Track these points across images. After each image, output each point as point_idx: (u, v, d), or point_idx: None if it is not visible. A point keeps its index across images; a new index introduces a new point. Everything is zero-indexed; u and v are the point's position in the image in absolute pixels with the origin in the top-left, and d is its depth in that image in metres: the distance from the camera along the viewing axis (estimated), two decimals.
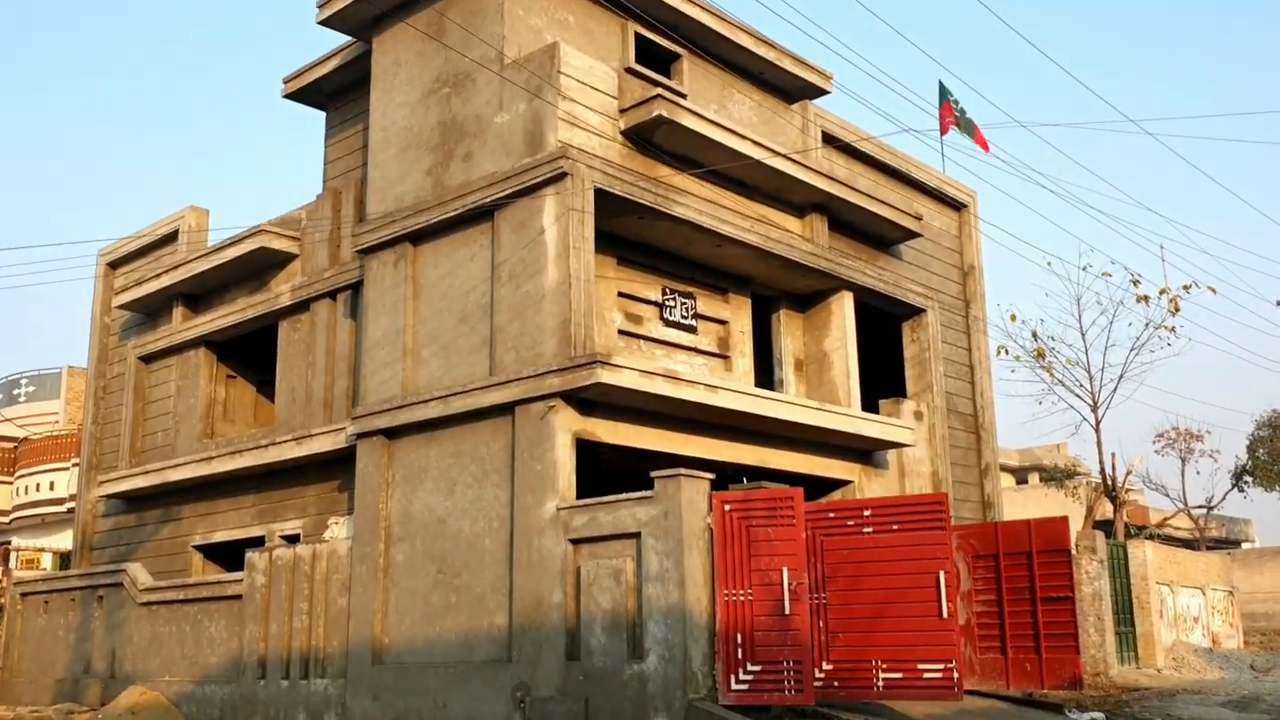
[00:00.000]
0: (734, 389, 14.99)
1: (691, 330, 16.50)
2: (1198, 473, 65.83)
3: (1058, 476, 29.00)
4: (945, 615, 12.51)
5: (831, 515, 13.40)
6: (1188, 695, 18.92)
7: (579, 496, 13.33)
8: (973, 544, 15.85)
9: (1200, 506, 33.44)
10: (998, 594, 15.49)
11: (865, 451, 18.06)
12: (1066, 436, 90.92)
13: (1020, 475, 45.90)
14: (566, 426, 13.38)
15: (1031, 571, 15.22)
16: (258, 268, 19.00)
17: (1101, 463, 24.81)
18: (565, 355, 13.31)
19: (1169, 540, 31.30)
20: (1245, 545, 49.73)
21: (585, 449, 13.89)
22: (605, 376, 12.97)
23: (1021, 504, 34.67)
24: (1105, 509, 31.71)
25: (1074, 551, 20.84)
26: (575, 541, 12.96)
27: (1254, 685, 21.04)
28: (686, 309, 16.48)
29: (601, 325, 14.83)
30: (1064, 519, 15.42)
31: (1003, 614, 15.39)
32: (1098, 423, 24.65)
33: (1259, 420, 48.03)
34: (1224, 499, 34.24)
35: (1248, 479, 29.08)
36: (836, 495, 17.49)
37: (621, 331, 15.45)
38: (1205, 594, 26.51)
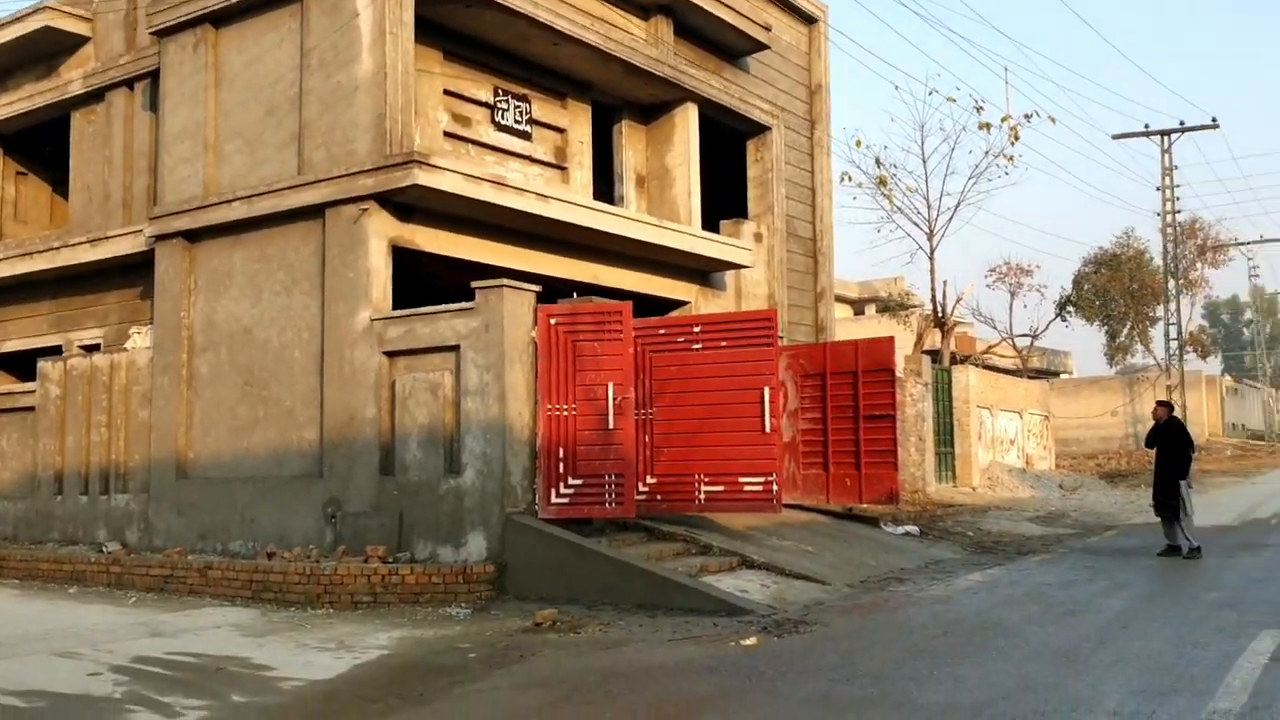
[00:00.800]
0: (568, 200, 14.28)
1: (525, 137, 15.59)
2: (1025, 306, 68.66)
3: (892, 306, 29.51)
4: (768, 430, 12.44)
5: (661, 331, 13.05)
6: (999, 511, 19.82)
7: (398, 308, 12.60)
8: (802, 363, 15.84)
9: (1024, 335, 34.73)
10: (823, 412, 15.60)
11: (703, 272, 17.74)
12: (902, 266, 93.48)
13: (858, 307, 46.91)
14: (381, 232, 12.51)
15: (856, 391, 15.32)
16: (45, 51, 17.05)
17: (933, 290, 25.31)
18: (380, 154, 12.33)
19: (993, 369, 32.51)
20: (1064, 376, 52.46)
21: (405, 258, 13.07)
22: (424, 179, 12.08)
23: (857, 334, 35.47)
24: (935, 339, 32.67)
25: (900, 374, 21.27)
26: (390, 354, 12.29)
27: (1060, 503, 22.26)
28: (520, 113, 15.52)
29: (424, 124, 13.80)
30: (889, 339, 15.51)
31: (827, 432, 15.54)
32: (932, 251, 25.00)
33: (1085, 258, 50.27)
34: (1047, 328, 35.59)
35: (1070, 309, 30.20)
36: (674, 315, 17.19)
37: (448, 134, 14.45)
38: (1023, 418, 27.74)
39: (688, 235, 16.46)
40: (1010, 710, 6.40)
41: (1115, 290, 55.82)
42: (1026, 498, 22.95)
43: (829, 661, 7.86)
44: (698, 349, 12.76)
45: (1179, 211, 39.54)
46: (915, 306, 39.03)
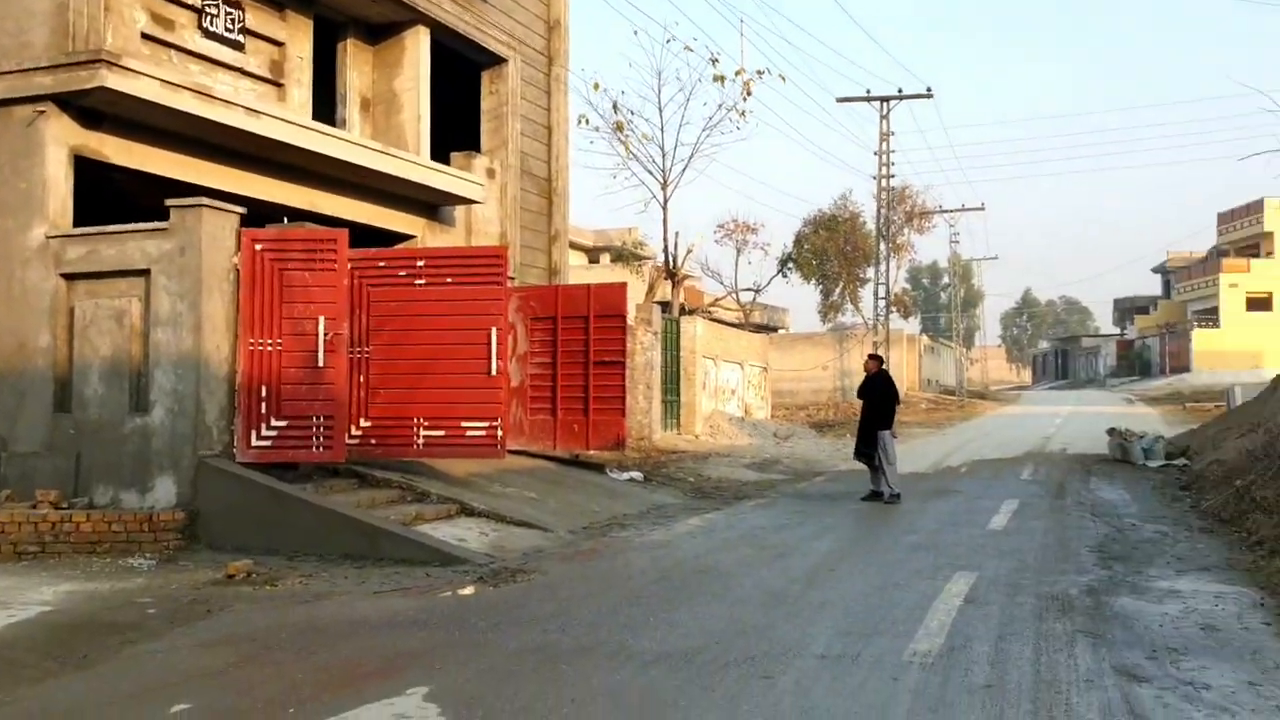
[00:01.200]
0: (282, 118, 13.15)
1: (237, 47, 14.22)
2: (749, 263, 71.37)
3: (625, 255, 29.69)
4: (494, 373, 11.99)
5: (381, 264, 12.29)
6: (719, 458, 20.30)
7: (81, 225, 11.20)
8: (533, 306, 15.47)
9: (747, 290, 35.88)
10: (553, 357, 15.32)
11: (432, 205, 16.96)
12: (637, 214, 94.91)
13: (593, 255, 47.11)
14: (62, 139, 11.05)
15: (588, 336, 15.13)
16: None
17: (665, 240, 25.55)
18: (61, 50, 10.86)
19: (719, 322, 33.43)
20: (781, 331, 54.91)
21: (92, 171, 11.64)
22: (114, 82, 10.72)
23: (591, 282, 35.62)
24: (666, 290, 33.17)
25: (631, 322, 21.32)
26: (69, 277, 10.93)
27: (775, 450, 23.11)
28: (232, 21, 14.13)
29: (117, 22, 12.27)
30: (622, 285, 15.40)
31: (556, 377, 15.28)
32: (665, 201, 25.19)
33: (805, 219, 52.68)
34: (769, 283, 36.94)
35: (791, 266, 31.38)
36: (397, 249, 16.35)
37: (146, 36, 12.92)
38: (744, 369, 28.65)
39: (414, 164, 15.63)
40: (722, 654, 6.31)
41: (831, 251, 58.99)
42: (745, 445, 23.70)
43: (545, 611, 7.56)
44: (421, 285, 12.10)
45: (892, 176, 41.85)
46: (648, 258, 39.56)
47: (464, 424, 11.98)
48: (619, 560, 9.67)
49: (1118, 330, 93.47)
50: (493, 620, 7.29)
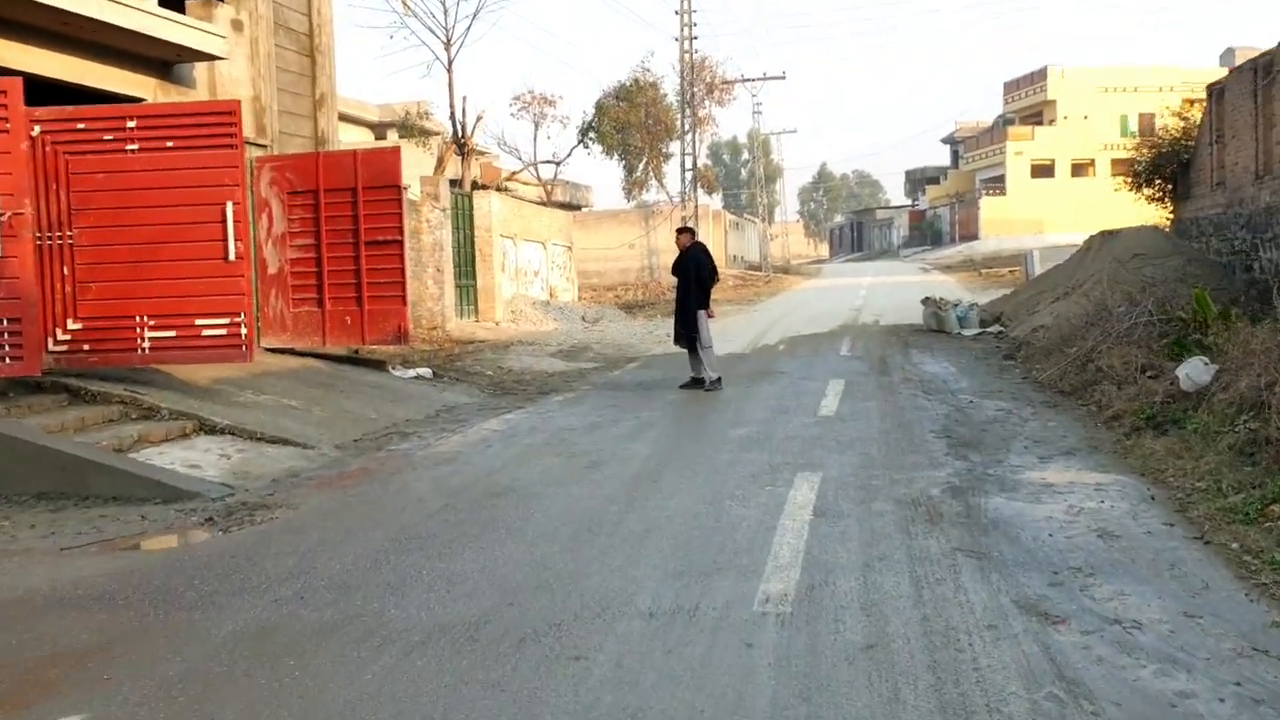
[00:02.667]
0: None
1: None
2: (549, 138, 68.75)
3: (410, 126, 26.97)
4: (234, 258, 9.78)
5: (81, 126, 9.77)
6: (522, 346, 18.56)
7: None
8: (289, 178, 13.12)
9: (547, 162, 33.62)
10: (317, 237, 13.08)
11: (164, 62, 14.12)
12: (420, 79, 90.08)
13: (379, 131, 43.63)
14: None
15: (357, 212, 12.94)
16: None
17: (452, 106, 23.12)
18: None
19: (518, 199, 31.20)
20: (585, 209, 53.07)
21: None
22: None
23: None
24: (458, 167, 30.67)
25: (416, 198, 19.08)
26: None
27: (584, 335, 21.50)
28: None
29: None
30: (395, 149, 13.21)
31: (321, 261, 13.08)
32: (450, 62, 22.71)
33: (605, 90, 50.52)
34: (570, 154, 34.77)
35: (592, 136, 29.35)
36: (101, 107, 13.57)
37: None
38: (546, 249, 26.76)
39: (135, 10, 12.80)
40: (517, 623, 4.68)
41: (633, 123, 57.18)
42: (550, 331, 22.00)
43: (284, 567, 5.72)
44: (134, 151, 9.70)
45: (695, 38, 40.06)
46: (438, 132, 36.75)
47: (199, 322, 9.78)
48: (393, 484, 7.86)
49: (910, 202, 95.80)
50: (209, 587, 5.41)
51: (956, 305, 19.71)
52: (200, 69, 14.80)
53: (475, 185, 24.84)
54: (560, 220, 28.66)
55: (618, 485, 7.43)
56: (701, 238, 48.61)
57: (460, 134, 23.38)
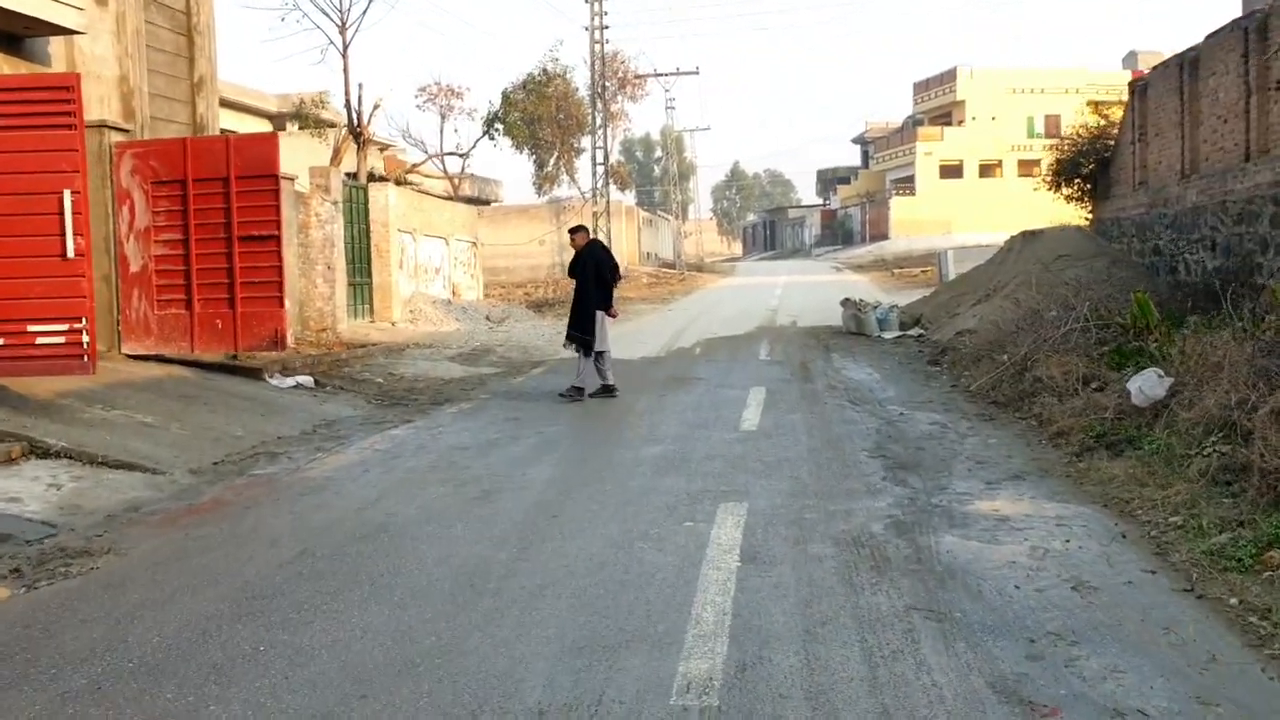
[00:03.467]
0: None
1: None
2: (456, 130, 67.07)
3: (306, 117, 25.42)
4: (73, 255, 8.54)
5: None
6: (420, 350, 17.36)
7: None
8: (153, 166, 11.80)
9: (452, 154, 32.15)
10: (185, 232, 11.78)
11: (11, 36, 12.67)
12: (313, 65, 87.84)
13: (279, 122, 41.74)
14: None
15: (229, 203, 11.67)
16: None
17: (347, 92, 21.74)
18: None
19: (422, 192, 29.81)
20: (494, 204, 51.75)
21: None
22: None
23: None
24: (357, 159, 29.14)
25: (306, 189, 17.78)
26: None
27: (487, 336, 20.34)
28: None
29: None
30: (272, 135, 11.98)
31: (189, 257, 11.77)
32: (345, 46, 21.33)
33: (514, 82, 49.23)
34: (475, 145, 33.27)
35: (499, 127, 28.10)
36: None
37: None
38: (449, 245, 25.49)
39: None
40: None
41: (544, 116, 55.95)
42: (451, 331, 20.80)
43: (88, 641, 4.57)
44: None
45: (607, 27, 39.04)
46: (335, 124, 35.15)
47: (33, 328, 8.52)
48: (246, 521, 6.70)
49: (821, 201, 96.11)
50: None
51: (876, 307, 19.06)
52: (57, 45, 13.39)
53: (373, 177, 23.48)
54: (464, 215, 27.39)
55: (510, 523, 6.39)
56: (615, 235, 47.24)
57: (356, 122, 21.99)
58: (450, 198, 41.92)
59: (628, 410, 10.76)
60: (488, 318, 23.44)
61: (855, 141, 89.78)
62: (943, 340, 15.44)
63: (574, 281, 11.88)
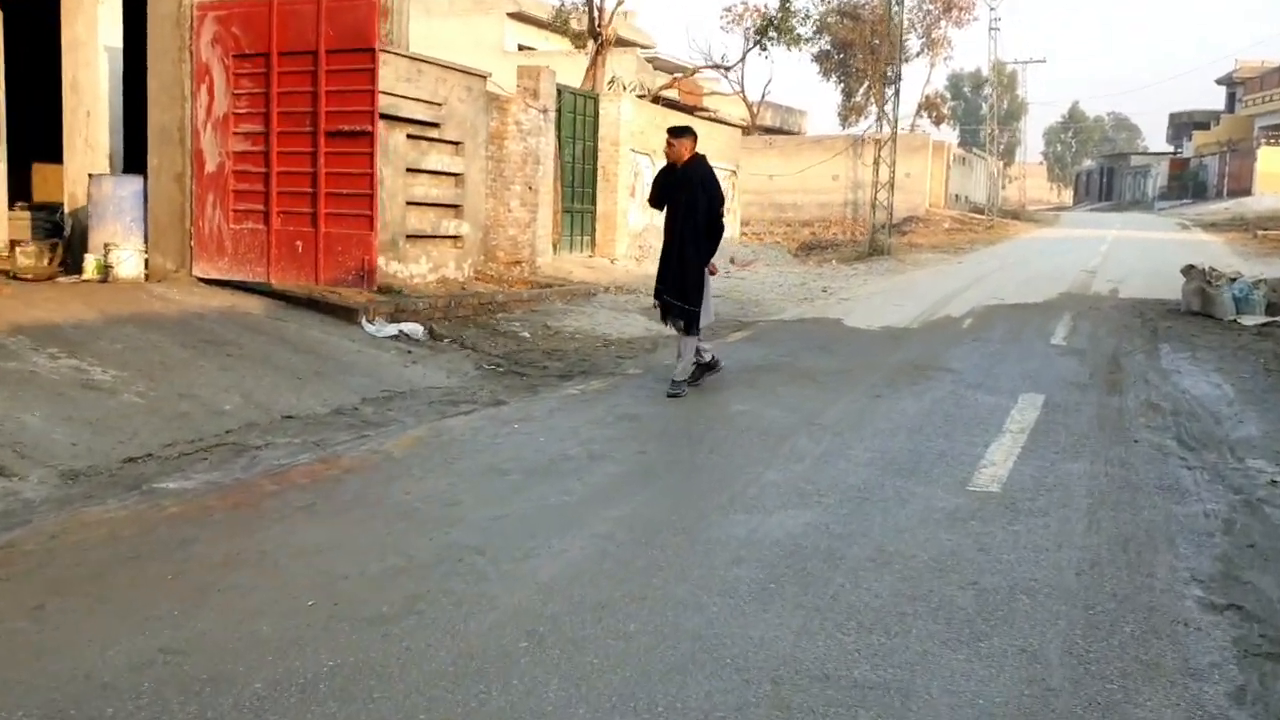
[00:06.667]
0: None
1: None
2: (765, 57, 62.93)
3: (565, 21, 22.36)
4: None
5: None
6: (613, 295, 14.20)
7: None
8: (235, 34, 9.12)
9: (717, 66, 28.23)
10: (266, 122, 9.07)
11: None
12: None
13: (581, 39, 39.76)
14: None
15: (316, 86, 8.82)
16: None
17: None
18: None
19: (676, 106, 26.33)
20: (787, 136, 47.82)
21: None
22: None
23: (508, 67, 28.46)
24: (626, 67, 26.15)
25: (506, 95, 14.88)
26: None
27: (715, 283, 16.78)
28: None
29: None
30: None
31: (269, 156, 9.07)
32: None
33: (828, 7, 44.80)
34: (743, 58, 28.95)
35: (773, 35, 24.26)
36: None
37: None
38: None
39: None
40: None
41: (856, 42, 51.10)
42: None
43: None
44: None
45: None
46: (638, 45, 32.24)
47: None
48: (95, 617, 3.70)
49: (1171, 149, 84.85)
50: None
51: (1234, 280, 13.91)
52: None
53: (615, 84, 20.34)
54: (722, 137, 23.71)
55: (496, 644, 3.00)
56: (917, 172, 41.56)
57: (595, 19, 18.86)
58: (747, 128, 38.38)
59: (801, 421, 7.01)
60: (731, 260, 19.92)
61: (1220, 82, 78.03)
62: None
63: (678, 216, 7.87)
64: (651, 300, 8.60)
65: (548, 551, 4.33)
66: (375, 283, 9.05)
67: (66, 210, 10.72)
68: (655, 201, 8.02)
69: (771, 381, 8.46)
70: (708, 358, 8.14)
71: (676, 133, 7.89)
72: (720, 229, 7.94)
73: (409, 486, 5.26)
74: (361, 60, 8.58)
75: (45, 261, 9.69)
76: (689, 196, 7.74)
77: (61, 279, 9.46)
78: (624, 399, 7.67)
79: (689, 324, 7.86)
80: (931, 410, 7.46)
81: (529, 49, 33.25)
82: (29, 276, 9.35)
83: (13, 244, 10.09)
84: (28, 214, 12.39)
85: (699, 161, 7.89)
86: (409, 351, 8.83)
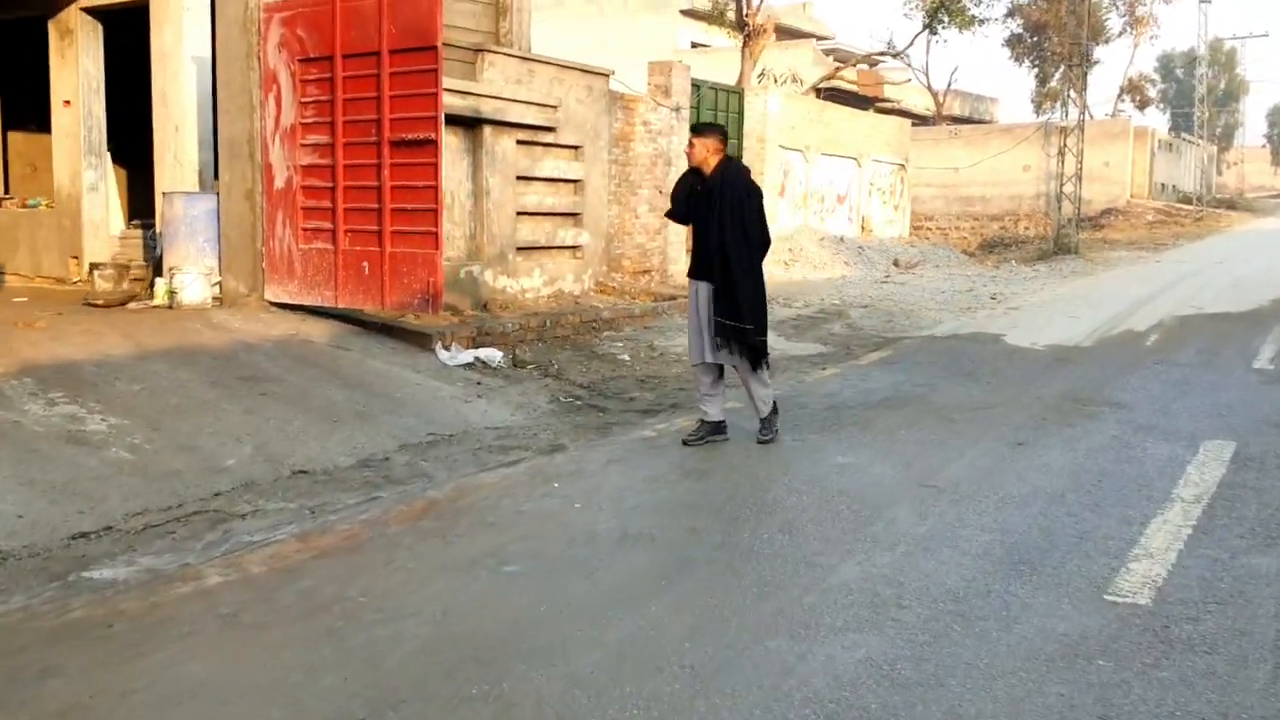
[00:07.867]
0: None
1: None
2: (945, 41, 59.67)
3: (722, 12, 21.01)
4: None
5: None
6: None
7: None
8: (300, 36, 8.40)
9: (885, 54, 26.22)
10: (332, 132, 8.31)
11: None
12: None
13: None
14: None
15: (380, 90, 7.98)
16: None
17: None
18: None
19: (832, 98, 24.55)
20: (974, 125, 45.09)
21: None
22: None
23: (709, 69, 27.23)
24: (747, 61, 24.59)
25: (633, 94, 13.87)
26: None
27: (867, 290, 15.32)
28: None
29: None
30: None
31: (336, 170, 8.30)
32: None
33: None
34: (912, 42, 26.87)
35: (943, 18, 22.22)
36: None
37: None
38: (861, 167, 20.45)
39: None
40: None
41: (1052, 24, 47.85)
42: (825, 280, 16.05)
43: None
44: None
45: None
46: (814, 35, 30.69)
47: None
48: None
49: None
50: None
51: None
52: None
53: (766, 78, 19.03)
54: (889, 130, 21.97)
55: None
56: (1117, 160, 38.54)
57: (743, 9, 17.62)
58: (933, 119, 36.12)
59: (910, 482, 5.62)
60: (895, 262, 18.31)
61: None
62: None
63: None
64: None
65: (486, 703, 3.21)
66: (440, 307, 8.13)
67: (157, 229, 10.32)
68: (680, 216, 6.65)
69: (892, 422, 7.08)
70: (766, 409, 6.56)
71: (700, 130, 6.48)
72: (763, 242, 6.48)
73: (372, 583, 4.23)
74: (425, 60, 7.67)
75: (123, 285, 9.24)
76: (724, 207, 6.27)
77: (133, 305, 8.99)
78: (704, 450, 6.47)
79: (755, 355, 6.46)
80: (1083, 466, 5.95)
81: (703, 46, 32.20)
82: (99, 302, 8.91)
83: (92, 267, 9.73)
84: (139, 233, 12.16)
85: (731, 166, 6.50)
86: (478, 383, 7.88)
